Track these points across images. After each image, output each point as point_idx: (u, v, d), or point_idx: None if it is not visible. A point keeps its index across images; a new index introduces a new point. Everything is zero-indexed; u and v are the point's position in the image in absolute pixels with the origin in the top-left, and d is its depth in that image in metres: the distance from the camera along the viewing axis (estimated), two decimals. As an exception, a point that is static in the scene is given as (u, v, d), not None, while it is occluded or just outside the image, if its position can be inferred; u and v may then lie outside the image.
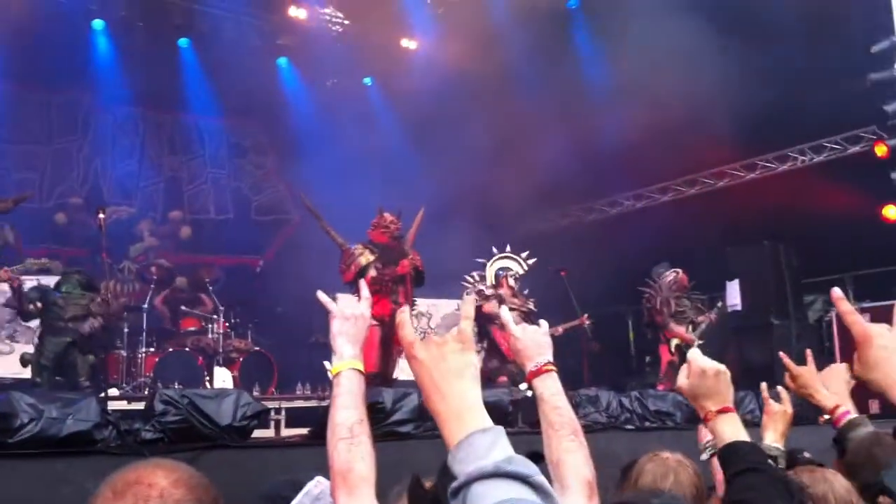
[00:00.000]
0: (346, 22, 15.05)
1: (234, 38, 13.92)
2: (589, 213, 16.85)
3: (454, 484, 1.40)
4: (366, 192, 12.40)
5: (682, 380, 2.34)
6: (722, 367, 2.29)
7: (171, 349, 11.80)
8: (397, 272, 9.33)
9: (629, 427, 8.36)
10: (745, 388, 9.68)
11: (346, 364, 2.30)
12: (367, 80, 16.27)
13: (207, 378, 11.21)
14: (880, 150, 12.61)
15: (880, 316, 2.18)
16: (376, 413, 6.77)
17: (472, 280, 10.73)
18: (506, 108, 14.23)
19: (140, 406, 7.64)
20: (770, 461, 2.28)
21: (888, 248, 12.57)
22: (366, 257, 9.39)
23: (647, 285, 11.67)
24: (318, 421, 7.02)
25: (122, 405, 8.82)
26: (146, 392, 9.96)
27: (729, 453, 2.20)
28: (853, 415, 3.25)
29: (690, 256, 12.19)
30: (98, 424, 5.50)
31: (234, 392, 6.50)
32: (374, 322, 8.87)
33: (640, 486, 3.36)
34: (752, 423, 8.76)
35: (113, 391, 9.31)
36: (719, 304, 12.58)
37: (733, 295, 12.55)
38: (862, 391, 2.67)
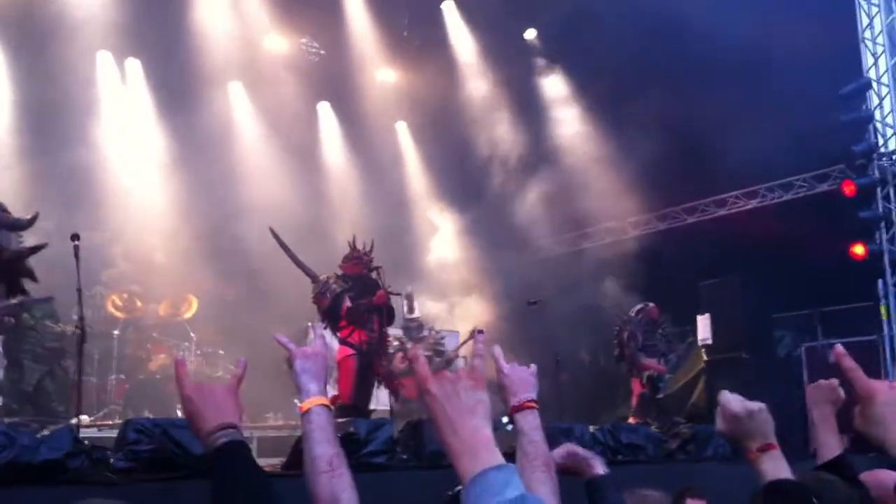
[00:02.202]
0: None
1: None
2: (560, 246, 16.97)
3: None
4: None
5: (719, 424, 2.35)
6: (755, 405, 2.29)
7: (141, 376, 11.74)
8: (373, 302, 9.30)
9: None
10: (714, 423, 9.76)
11: (314, 401, 2.35)
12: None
13: (179, 407, 11.12)
14: (848, 189, 12.84)
15: (849, 352, 2.26)
16: (350, 444, 6.75)
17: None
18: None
19: (110, 434, 7.58)
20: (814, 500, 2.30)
21: (856, 284, 12.76)
22: (339, 284, 9.37)
23: (618, 318, 11.73)
24: (291, 451, 7.00)
25: (93, 433, 8.76)
26: (115, 419, 9.89)
27: (772, 492, 2.23)
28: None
29: (662, 290, 12.29)
30: (70, 453, 5.43)
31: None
32: (352, 352, 8.91)
33: None
34: (724, 458, 8.85)
35: (83, 418, 9.21)
36: (689, 339, 12.68)
37: (704, 329, 12.66)
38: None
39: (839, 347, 2.19)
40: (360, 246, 9.66)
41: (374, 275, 9.59)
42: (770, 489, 2.23)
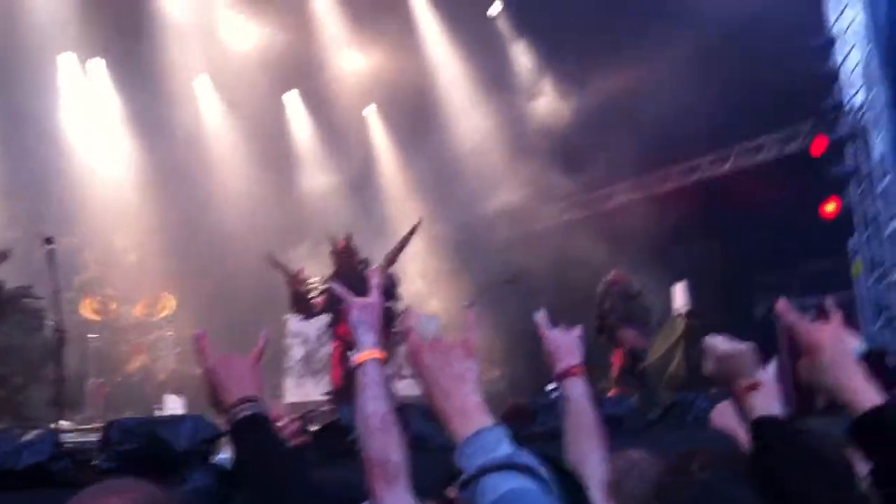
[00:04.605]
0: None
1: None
2: (535, 223, 16.94)
3: (464, 476, 1.53)
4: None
5: (707, 366, 2.39)
6: (741, 345, 2.34)
7: (119, 379, 11.69)
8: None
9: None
10: (693, 388, 9.85)
11: (369, 354, 2.28)
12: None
13: (157, 407, 11.11)
14: (817, 147, 12.89)
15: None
16: (335, 431, 6.74)
17: None
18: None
19: (91, 438, 7.52)
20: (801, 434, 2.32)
21: (831, 241, 12.83)
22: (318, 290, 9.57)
23: (596, 290, 11.72)
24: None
25: (74, 437, 8.69)
26: (96, 423, 9.83)
27: (760, 427, 2.25)
28: None
29: (639, 259, 12.31)
30: (54, 456, 5.39)
31: (192, 417, 6.42)
32: (338, 340, 9.01)
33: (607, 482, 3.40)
34: (704, 423, 8.89)
35: (63, 423, 9.13)
36: (666, 306, 12.70)
37: (681, 296, 12.69)
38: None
39: (781, 303, 2.29)
40: (338, 239, 9.81)
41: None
42: (758, 424, 2.25)
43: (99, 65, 14.54)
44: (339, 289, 2.52)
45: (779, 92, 12.26)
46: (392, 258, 10.08)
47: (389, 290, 9.58)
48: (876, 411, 1.98)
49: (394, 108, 16.43)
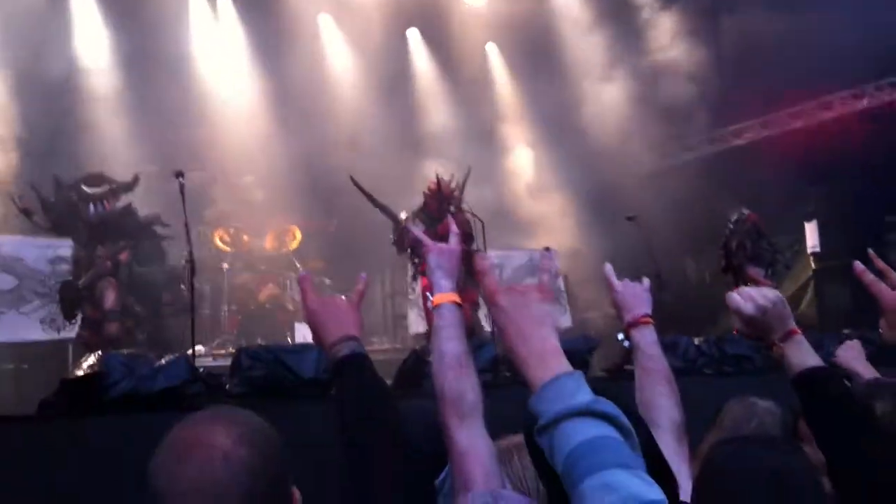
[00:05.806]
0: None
1: None
2: (663, 159, 16.58)
3: (542, 421, 1.49)
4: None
5: (738, 326, 2.33)
6: (767, 302, 2.23)
7: (252, 307, 12.07)
8: (439, 232, 9.35)
9: (707, 371, 8.28)
10: (825, 330, 9.56)
11: (446, 297, 2.31)
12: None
13: (288, 334, 11.46)
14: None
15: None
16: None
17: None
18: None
19: (225, 363, 7.86)
20: (846, 383, 2.25)
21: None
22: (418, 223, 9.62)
23: (725, 228, 11.43)
24: (396, 374, 7.14)
25: (208, 362, 9.09)
26: (229, 349, 10.23)
27: (802, 383, 2.18)
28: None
29: (770, 198, 11.94)
30: (187, 381, 5.67)
31: (317, 347, 6.61)
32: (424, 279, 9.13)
33: (722, 427, 3.33)
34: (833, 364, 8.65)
35: (199, 349, 9.50)
36: (796, 248, 12.33)
37: (812, 236, 12.30)
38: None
39: (857, 265, 2.32)
40: (449, 180, 9.90)
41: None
42: (799, 380, 2.18)
43: (226, 3, 14.75)
44: (416, 232, 2.64)
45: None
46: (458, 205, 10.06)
47: (467, 234, 9.55)
48: None
49: (515, 45, 16.21)
